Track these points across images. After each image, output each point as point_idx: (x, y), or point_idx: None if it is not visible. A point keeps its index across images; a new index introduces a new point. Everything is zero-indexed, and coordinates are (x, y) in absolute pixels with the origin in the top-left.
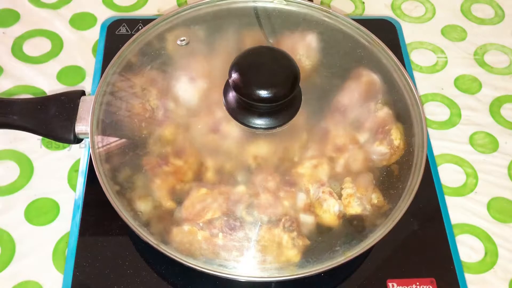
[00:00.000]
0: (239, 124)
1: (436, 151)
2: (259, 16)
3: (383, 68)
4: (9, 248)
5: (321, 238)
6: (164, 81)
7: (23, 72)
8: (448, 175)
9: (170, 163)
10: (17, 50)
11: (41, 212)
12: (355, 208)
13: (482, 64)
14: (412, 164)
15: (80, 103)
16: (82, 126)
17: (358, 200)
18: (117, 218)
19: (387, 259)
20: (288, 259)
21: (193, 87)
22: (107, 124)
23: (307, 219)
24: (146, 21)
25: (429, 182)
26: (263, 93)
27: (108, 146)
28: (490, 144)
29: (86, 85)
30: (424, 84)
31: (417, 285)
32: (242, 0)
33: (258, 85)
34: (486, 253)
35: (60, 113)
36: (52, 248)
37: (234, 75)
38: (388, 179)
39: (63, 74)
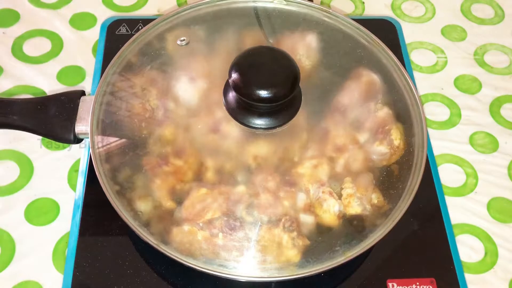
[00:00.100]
0: (239, 124)
1: (436, 151)
2: (259, 16)
3: (383, 68)
4: (9, 248)
5: (321, 238)
6: (164, 81)
7: (23, 72)
8: (448, 175)
9: (170, 163)
10: (17, 50)
11: (41, 212)
12: (355, 208)
13: (482, 64)
14: (412, 164)
15: (80, 103)
16: (82, 126)
17: (358, 200)
18: (117, 218)
19: (387, 259)
20: (288, 259)
21: (193, 87)
22: (107, 124)
23: (307, 219)
24: (146, 21)
25: (429, 182)
26: (263, 93)
27: (108, 146)
28: (490, 144)
29: (86, 85)
30: (424, 84)
31: (417, 285)
32: (242, 0)
33: (258, 85)
34: (486, 253)
35: (60, 113)
36: (52, 248)
37: (234, 75)
38: (388, 179)
39: (63, 74)
